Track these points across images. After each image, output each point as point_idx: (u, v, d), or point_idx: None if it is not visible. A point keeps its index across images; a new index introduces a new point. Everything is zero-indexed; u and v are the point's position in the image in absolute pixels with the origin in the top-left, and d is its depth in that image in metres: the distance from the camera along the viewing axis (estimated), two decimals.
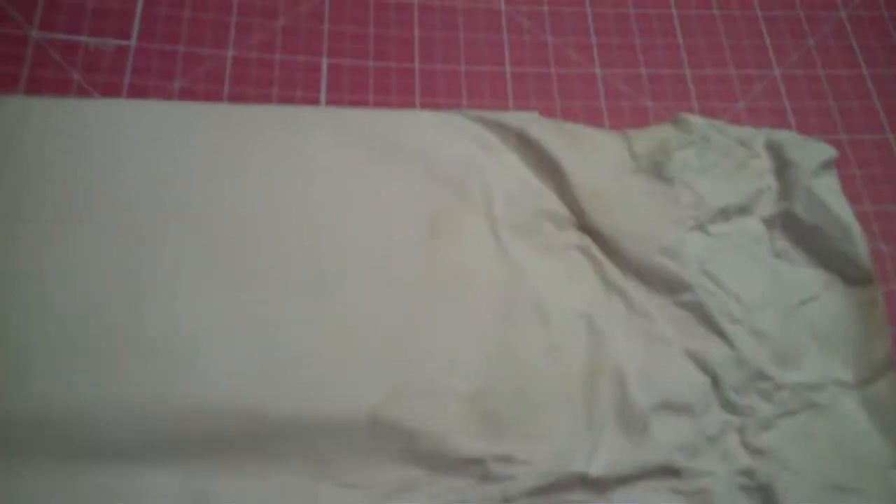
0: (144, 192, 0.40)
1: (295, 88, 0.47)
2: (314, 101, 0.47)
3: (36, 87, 0.44)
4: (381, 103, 0.48)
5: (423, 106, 0.48)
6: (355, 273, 0.39)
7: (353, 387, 0.36)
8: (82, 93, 0.44)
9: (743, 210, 0.44)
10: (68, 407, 0.34)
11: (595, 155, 0.44)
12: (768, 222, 0.44)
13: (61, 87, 0.44)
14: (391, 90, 0.48)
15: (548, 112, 0.48)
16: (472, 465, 0.35)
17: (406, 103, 0.48)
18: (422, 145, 0.43)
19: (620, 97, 0.50)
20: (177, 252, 0.38)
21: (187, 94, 0.46)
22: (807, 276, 0.43)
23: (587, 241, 0.42)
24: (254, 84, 0.47)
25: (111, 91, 0.45)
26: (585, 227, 0.42)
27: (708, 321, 0.40)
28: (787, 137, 0.46)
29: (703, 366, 0.39)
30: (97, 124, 0.41)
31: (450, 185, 0.42)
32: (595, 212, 0.42)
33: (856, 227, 0.43)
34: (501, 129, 0.45)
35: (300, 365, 0.36)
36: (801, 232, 0.43)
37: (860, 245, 0.42)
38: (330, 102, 0.47)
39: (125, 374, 0.35)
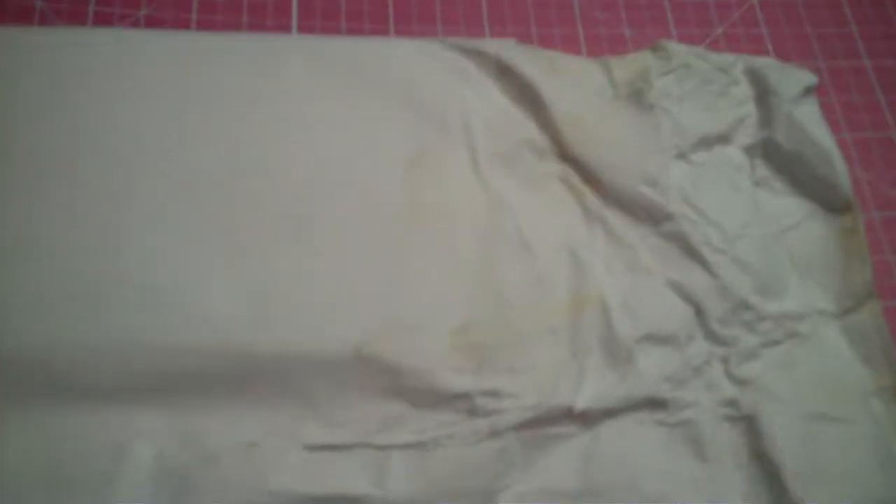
0: (120, 129, 0.38)
1: (265, 16, 0.46)
2: (285, 29, 0.45)
3: None
4: (353, 30, 0.46)
5: (398, 33, 0.47)
6: (337, 210, 0.38)
7: (338, 324, 0.35)
8: (45, 21, 0.42)
9: (723, 138, 0.43)
10: (54, 350, 0.33)
11: (574, 83, 0.43)
12: (749, 150, 0.43)
13: (24, 16, 0.43)
14: (364, 17, 0.47)
15: (524, 39, 0.47)
16: (459, 400, 0.35)
17: (379, 30, 0.47)
18: (400, 75, 0.42)
19: (598, 24, 0.49)
20: (152, 196, 0.37)
21: (154, 23, 0.44)
22: (788, 204, 0.43)
23: (568, 170, 0.41)
24: (222, 11, 0.45)
25: (75, 20, 0.43)
26: (566, 156, 0.42)
27: (690, 251, 0.40)
28: (768, 64, 0.45)
29: (687, 296, 0.39)
30: (63, 55, 0.39)
31: (430, 117, 0.41)
32: (575, 141, 0.41)
33: (837, 154, 0.42)
34: (479, 56, 0.43)
35: (283, 303, 0.35)
36: (781, 160, 0.43)
37: (841, 172, 0.42)
38: (301, 30, 0.46)
39: (110, 317, 0.34)
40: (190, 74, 0.40)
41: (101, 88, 0.39)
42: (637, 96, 0.43)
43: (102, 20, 0.43)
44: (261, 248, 0.36)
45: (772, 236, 0.41)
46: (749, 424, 0.36)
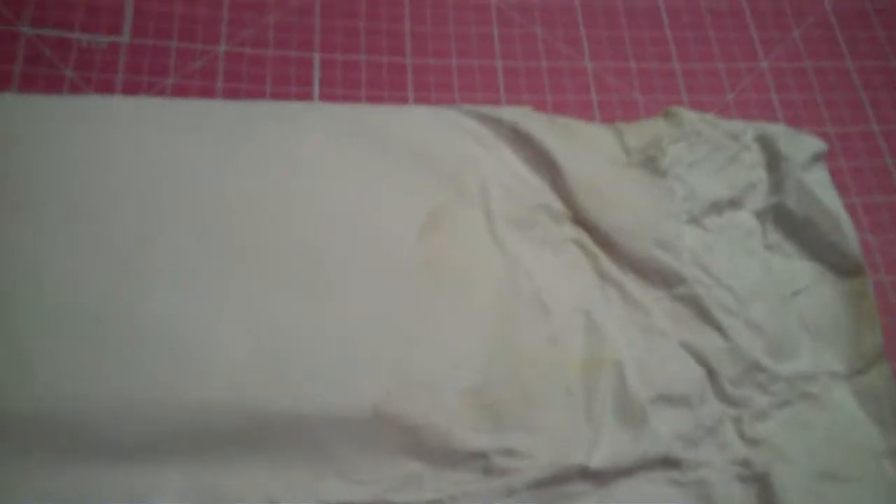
0: (142, 188, 0.40)
1: (288, 84, 0.47)
2: (307, 97, 0.47)
3: (29, 85, 0.44)
4: (373, 98, 0.48)
5: (416, 100, 0.48)
6: (354, 269, 0.39)
7: (355, 382, 0.36)
8: (75, 90, 0.44)
9: (735, 203, 0.44)
10: (70, 403, 0.34)
11: (588, 149, 0.45)
12: (760, 215, 0.44)
13: (54, 85, 0.44)
14: (383, 85, 0.49)
15: (539, 105, 0.48)
16: (476, 459, 0.36)
17: (398, 98, 0.48)
18: (417, 140, 0.44)
19: (610, 91, 0.51)
20: (175, 248, 0.38)
21: (181, 91, 0.46)
22: (799, 268, 0.44)
23: (583, 234, 0.43)
24: (247, 80, 0.47)
25: (104, 88, 0.45)
26: (581, 220, 0.43)
27: (703, 314, 0.40)
28: (778, 131, 0.47)
29: (700, 358, 0.40)
30: (92, 121, 0.41)
31: (446, 181, 0.43)
32: (590, 206, 0.43)
33: (846, 220, 0.44)
34: (495, 123, 0.45)
35: (301, 360, 0.37)
36: (792, 225, 0.44)
37: (850, 237, 0.43)
38: (322, 97, 0.47)
39: (127, 370, 0.35)
40: (209, 139, 0.42)
41: (124, 152, 0.41)
42: (650, 162, 0.44)
43: (131, 88, 0.45)
44: (277, 307, 0.38)
45: (783, 299, 0.42)
46: (761, 484, 0.37)
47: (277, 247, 0.39)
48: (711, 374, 0.39)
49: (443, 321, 0.39)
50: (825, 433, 0.39)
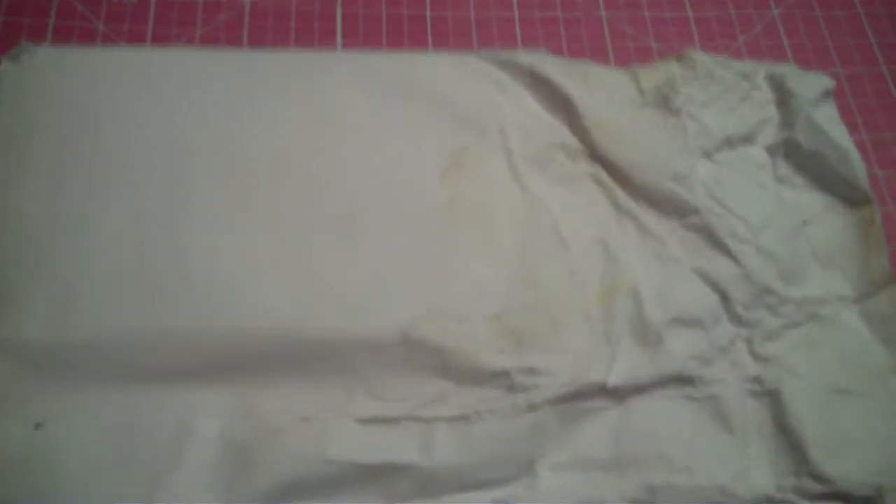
0: (177, 134, 0.42)
1: (311, 36, 0.49)
2: (331, 46, 0.49)
3: (62, 38, 0.46)
4: (394, 47, 0.50)
5: (436, 48, 0.50)
6: (382, 208, 0.41)
7: (386, 309, 0.38)
8: (107, 41, 0.46)
9: (747, 139, 0.46)
10: (115, 334, 0.37)
11: (604, 90, 0.46)
12: (771, 150, 0.46)
13: (87, 37, 0.47)
14: (404, 37, 0.50)
15: (555, 51, 0.50)
16: (499, 378, 0.37)
17: (419, 46, 0.50)
18: (439, 86, 0.46)
19: (625, 38, 0.52)
20: (211, 191, 0.41)
21: (209, 42, 0.48)
22: (808, 199, 0.45)
23: (599, 170, 0.44)
24: (272, 32, 0.49)
25: (135, 40, 0.47)
26: (597, 157, 0.45)
27: (716, 242, 0.42)
28: (787, 70, 0.48)
29: (713, 283, 0.41)
30: (125, 72, 0.44)
31: (467, 123, 0.45)
32: (605, 143, 0.44)
33: (853, 151, 0.45)
34: (513, 67, 0.47)
35: (333, 291, 0.39)
36: (802, 158, 0.46)
37: (857, 168, 0.45)
38: (345, 47, 0.49)
39: (170, 303, 0.38)
40: (245, 87, 0.44)
41: (159, 101, 0.43)
42: (664, 102, 0.46)
43: (161, 39, 0.47)
44: (310, 245, 0.40)
45: (793, 228, 0.44)
46: (772, 399, 0.38)
47: (309, 190, 0.42)
48: (724, 297, 0.41)
49: (467, 254, 0.41)
50: (834, 352, 0.40)
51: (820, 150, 0.45)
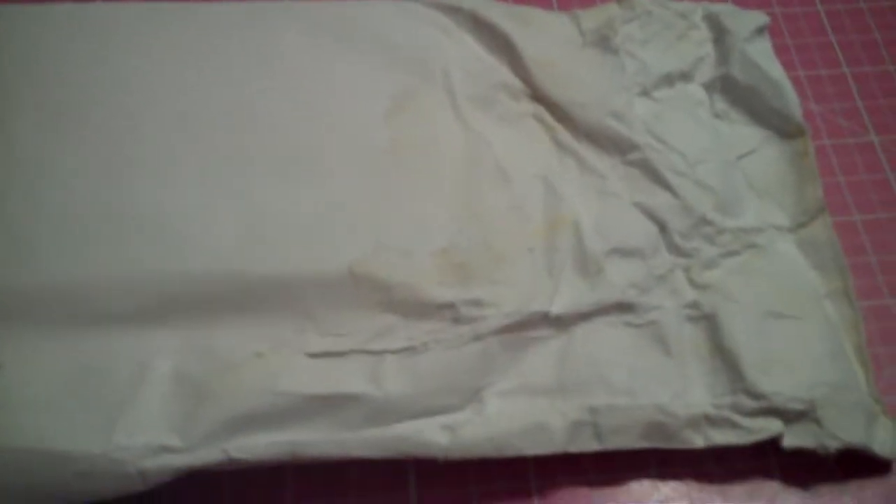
0: (126, 87, 0.43)
1: None
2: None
3: None
4: None
5: None
6: (328, 150, 0.42)
7: (332, 246, 0.39)
8: None
9: (684, 76, 0.47)
10: (67, 279, 0.37)
11: (545, 32, 0.47)
12: (708, 86, 0.47)
13: None
14: None
15: None
16: (445, 309, 0.39)
17: None
18: (383, 32, 0.46)
19: None
20: (159, 141, 0.41)
21: None
22: (745, 133, 0.47)
23: (541, 109, 0.45)
24: None
25: None
26: (538, 97, 0.46)
27: (655, 176, 0.43)
28: (724, 9, 0.49)
29: (652, 215, 0.42)
30: (73, 26, 0.45)
31: (410, 66, 0.45)
32: (546, 82, 0.45)
33: (787, 85, 0.46)
34: (455, 12, 0.48)
35: (281, 231, 0.39)
36: (737, 93, 0.47)
37: (791, 100, 0.46)
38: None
39: (118, 248, 0.38)
40: (191, 37, 0.45)
41: (107, 55, 0.44)
42: (603, 42, 0.47)
43: None
44: (258, 188, 0.41)
45: (730, 162, 0.45)
46: (709, 322, 0.40)
47: (255, 135, 0.42)
48: (663, 228, 0.42)
49: (412, 192, 0.42)
50: (769, 278, 0.42)
51: (755, 85, 0.47)
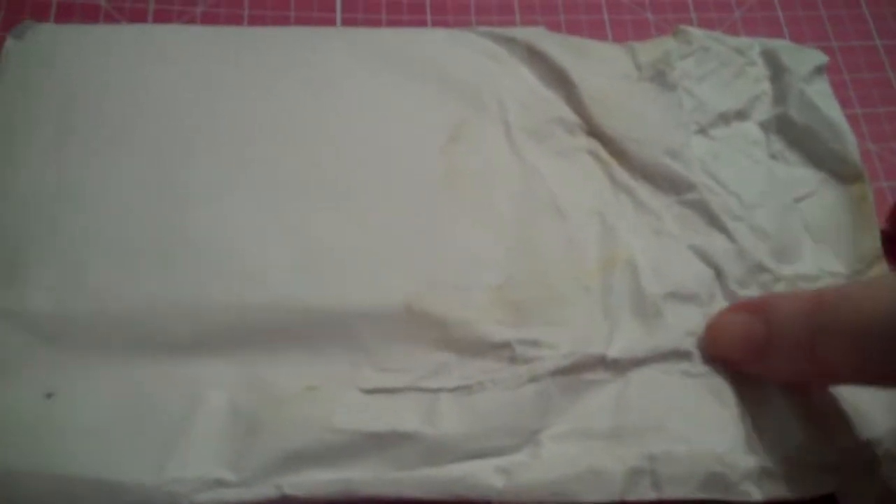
0: (181, 112, 0.42)
1: (311, 10, 0.50)
2: (330, 21, 0.49)
3: (65, 15, 0.47)
4: (393, 21, 0.50)
5: (435, 23, 0.51)
6: (382, 182, 0.42)
7: (387, 280, 0.39)
8: (109, 19, 0.47)
9: (741, 114, 0.47)
10: (122, 307, 0.37)
11: (600, 65, 0.47)
12: (764, 126, 0.47)
13: (89, 14, 0.47)
14: (403, 9, 0.51)
15: (553, 26, 0.50)
16: (501, 349, 0.38)
17: (418, 21, 0.51)
18: (437, 62, 0.46)
19: (622, 11, 0.53)
20: (212, 165, 0.41)
21: (210, 18, 0.48)
22: (801, 175, 0.46)
23: (596, 144, 0.45)
24: (271, 7, 0.49)
25: (137, 17, 0.47)
26: (594, 132, 0.45)
27: (711, 218, 0.43)
28: (782, 46, 0.49)
29: (708, 259, 0.42)
30: (129, 48, 0.44)
31: (465, 96, 0.45)
32: (602, 117, 0.45)
33: (846, 128, 0.46)
34: (510, 43, 0.47)
35: (336, 262, 0.39)
36: (795, 133, 0.46)
37: (850, 144, 0.45)
38: (345, 22, 0.49)
39: (173, 277, 0.38)
40: (246, 62, 0.45)
41: (163, 78, 0.43)
42: (659, 77, 0.47)
43: (162, 17, 0.48)
44: (312, 218, 0.40)
45: (786, 205, 0.44)
46: None
47: (309, 162, 0.42)
48: (719, 273, 0.42)
49: (467, 224, 0.41)
50: None
51: (812, 126, 0.46)
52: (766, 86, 0.48)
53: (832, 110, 0.46)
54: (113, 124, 0.42)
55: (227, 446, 0.35)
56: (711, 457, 0.37)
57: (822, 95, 0.47)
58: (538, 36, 0.47)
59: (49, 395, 0.35)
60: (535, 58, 0.47)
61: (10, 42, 0.44)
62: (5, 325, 0.37)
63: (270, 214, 0.40)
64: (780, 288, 0.42)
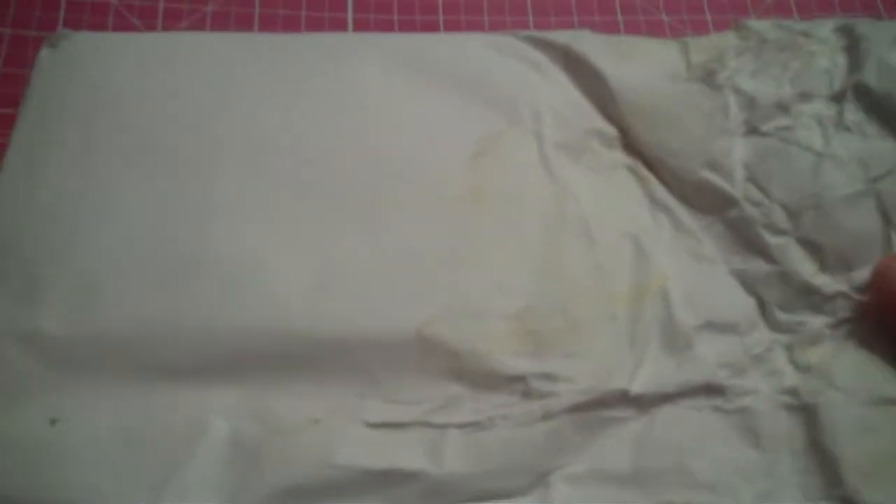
0: (203, 123, 0.41)
1: (322, 9, 0.48)
2: (342, 20, 0.48)
3: (75, 12, 0.47)
4: (405, 21, 0.49)
5: (447, 23, 0.49)
6: (405, 199, 0.40)
7: (400, 307, 0.37)
8: (119, 16, 0.46)
9: (804, 96, 0.42)
10: (132, 326, 0.36)
11: (646, 65, 0.43)
12: (836, 97, 0.42)
13: (99, 11, 0.47)
14: (415, 9, 0.49)
15: (567, 28, 0.48)
16: (515, 383, 0.36)
17: (429, 21, 0.49)
18: (472, 67, 0.43)
19: (636, 11, 0.50)
20: (235, 180, 0.40)
21: (221, 17, 0.48)
22: (879, 150, 0.40)
23: (634, 159, 0.42)
24: (283, 6, 0.48)
25: (147, 14, 0.47)
26: (631, 144, 0.42)
27: (753, 237, 0.39)
28: (858, 20, 0.44)
29: (749, 286, 0.38)
30: (154, 57, 0.43)
31: (499, 107, 0.42)
32: (639, 128, 0.42)
33: None
34: (549, 47, 0.44)
35: (348, 288, 0.37)
36: (873, 102, 0.41)
37: None
38: (356, 21, 0.48)
39: (185, 296, 0.37)
40: (270, 70, 0.43)
41: (191, 85, 0.42)
42: (708, 77, 0.43)
43: (172, 14, 0.47)
44: (328, 238, 0.39)
45: (852, 197, 0.39)
46: (808, 414, 0.35)
47: (331, 175, 0.40)
48: (761, 302, 0.38)
49: (489, 247, 0.39)
50: (884, 352, 0.37)
51: (894, 92, 0.41)
52: (839, 59, 0.43)
53: None
54: (137, 136, 0.41)
55: (228, 478, 0.34)
56: None
57: None
58: (580, 38, 0.44)
59: (53, 422, 0.35)
60: (574, 62, 0.44)
61: (43, 51, 0.43)
62: (19, 347, 0.36)
63: (286, 234, 0.39)
64: (832, 307, 0.38)
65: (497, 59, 0.44)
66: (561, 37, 0.44)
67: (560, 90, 0.43)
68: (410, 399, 0.36)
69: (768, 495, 0.34)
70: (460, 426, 0.35)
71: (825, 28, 0.44)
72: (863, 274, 0.38)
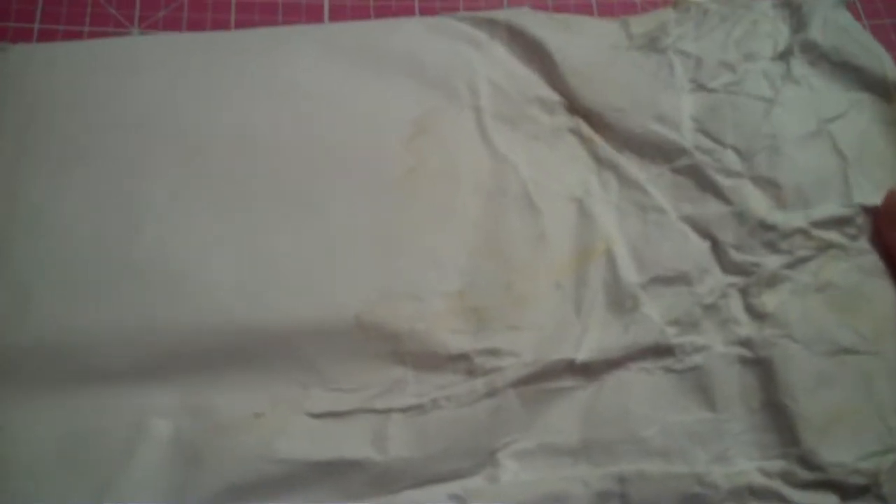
0: (133, 126, 0.39)
1: (300, 13, 0.46)
2: (318, 6, 0.46)
3: (53, 3, 0.45)
4: (381, 7, 0.46)
5: (423, 8, 0.47)
6: (341, 186, 0.38)
7: (338, 294, 0.35)
8: (97, 7, 0.45)
9: (750, 56, 0.40)
10: (66, 334, 0.35)
11: (587, 38, 0.41)
12: (783, 55, 0.40)
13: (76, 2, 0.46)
14: (391, 9, 0.47)
15: (540, 9, 0.45)
16: (458, 361, 0.34)
17: (406, 6, 0.47)
18: (411, 52, 0.41)
19: None
20: (169, 179, 0.38)
21: (197, 5, 0.46)
22: (829, 97, 0.39)
23: (579, 121, 0.39)
24: (259, 12, 0.46)
25: (124, 6, 0.46)
26: (575, 107, 0.39)
27: (704, 182, 0.37)
28: None
29: (701, 229, 0.36)
30: (88, 63, 0.41)
31: (437, 86, 0.40)
32: (585, 90, 0.39)
33: (876, 43, 0.39)
34: (491, 25, 0.42)
35: (283, 276, 0.36)
36: (819, 55, 0.40)
37: (884, 59, 0.39)
38: (332, 7, 0.46)
39: (120, 299, 0.35)
40: (206, 68, 0.41)
41: (124, 88, 0.40)
42: (651, 43, 0.41)
43: (150, 3, 0.46)
44: (264, 232, 0.37)
45: (808, 135, 0.38)
46: (763, 369, 0.33)
47: (268, 172, 0.38)
48: (715, 244, 0.36)
49: (427, 227, 0.37)
50: (846, 294, 0.34)
51: (839, 46, 0.39)
52: (782, 26, 0.41)
53: (859, 31, 0.40)
54: (72, 143, 0.39)
55: (169, 479, 0.32)
56: (690, 476, 0.31)
57: (847, 20, 0.40)
58: (520, 15, 0.42)
59: None
60: (515, 36, 0.41)
61: None
62: None
63: (219, 231, 0.37)
64: (791, 244, 0.36)
65: (433, 39, 0.42)
66: (501, 14, 0.42)
67: (500, 64, 0.41)
68: (353, 386, 0.34)
69: (723, 455, 0.32)
70: (404, 410, 0.33)
71: (765, 3, 0.42)
72: (822, 210, 0.36)
